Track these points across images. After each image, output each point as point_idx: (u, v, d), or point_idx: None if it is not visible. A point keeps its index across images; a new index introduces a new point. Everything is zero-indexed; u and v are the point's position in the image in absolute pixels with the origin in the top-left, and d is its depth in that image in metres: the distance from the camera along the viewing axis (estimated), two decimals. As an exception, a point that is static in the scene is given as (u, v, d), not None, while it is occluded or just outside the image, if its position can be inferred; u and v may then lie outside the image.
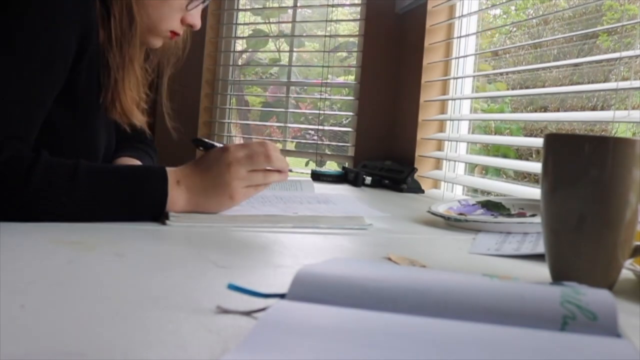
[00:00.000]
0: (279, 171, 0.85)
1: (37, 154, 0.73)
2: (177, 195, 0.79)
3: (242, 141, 2.82)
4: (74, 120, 0.88)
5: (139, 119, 0.96)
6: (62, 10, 0.79)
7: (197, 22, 0.95)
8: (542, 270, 0.60)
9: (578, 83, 1.73)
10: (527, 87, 1.84)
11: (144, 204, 0.77)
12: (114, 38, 0.86)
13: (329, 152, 2.41)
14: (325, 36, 2.35)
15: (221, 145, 0.88)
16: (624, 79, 1.28)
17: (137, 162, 1.05)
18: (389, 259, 0.66)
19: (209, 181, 0.81)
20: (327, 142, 2.43)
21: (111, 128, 1.04)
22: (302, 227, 0.83)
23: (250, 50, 2.85)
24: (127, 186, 0.77)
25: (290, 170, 0.90)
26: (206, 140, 0.92)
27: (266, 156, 0.83)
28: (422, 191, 1.61)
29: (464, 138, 1.73)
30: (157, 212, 0.78)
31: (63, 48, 0.80)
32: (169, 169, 0.80)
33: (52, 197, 0.72)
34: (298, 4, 2.52)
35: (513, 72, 1.84)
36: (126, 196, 0.76)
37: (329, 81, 2.37)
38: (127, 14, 0.86)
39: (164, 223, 0.78)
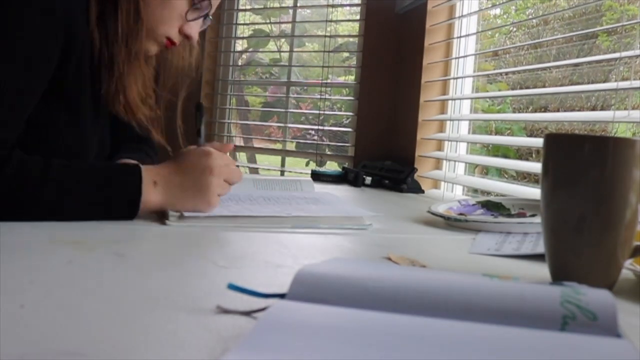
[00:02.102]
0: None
1: (8, 152, 0.73)
2: (152, 195, 0.78)
3: (242, 141, 2.82)
4: (62, 120, 0.87)
5: (145, 114, 0.96)
6: (42, 11, 0.78)
7: (194, 35, 0.95)
8: (542, 270, 0.60)
9: (578, 83, 1.73)
10: (527, 87, 1.84)
11: (117, 202, 0.77)
12: (120, 33, 0.87)
13: (329, 152, 2.41)
14: (326, 36, 2.35)
15: (202, 137, 0.92)
16: (624, 79, 1.28)
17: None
18: (389, 259, 0.66)
19: (189, 182, 0.81)
20: (327, 142, 2.44)
21: (105, 130, 1.04)
22: (302, 228, 0.83)
23: (250, 50, 2.85)
24: (100, 184, 0.76)
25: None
26: (202, 123, 0.94)
27: (238, 173, 0.87)
28: (422, 191, 1.61)
29: (464, 138, 1.73)
30: (131, 211, 0.78)
31: (45, 48, 0.79)
32: (145, 168, 0.80)
33: (24, 194, 0.72)
34: (298, 4, 2.52)
35: (513, 72, 1.84)
36: (99, 194, 0.76)
37: (329, 81, 2.37)
38: (134, 10, 0.87)
39: (164, 223, 0.78)
